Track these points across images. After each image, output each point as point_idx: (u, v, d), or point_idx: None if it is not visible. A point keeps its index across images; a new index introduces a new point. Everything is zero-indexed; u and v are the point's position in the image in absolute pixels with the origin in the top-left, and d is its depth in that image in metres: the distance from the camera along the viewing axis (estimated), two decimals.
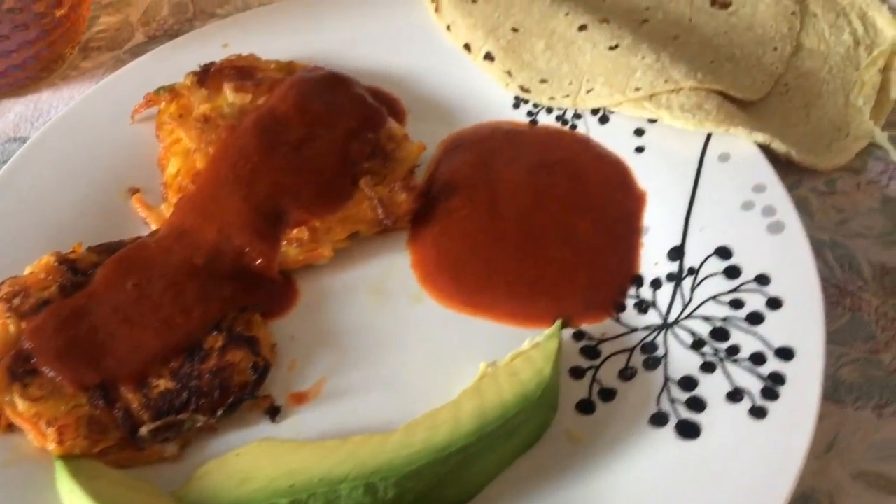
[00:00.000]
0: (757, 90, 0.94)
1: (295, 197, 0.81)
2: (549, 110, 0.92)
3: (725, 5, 1.03)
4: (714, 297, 0.76)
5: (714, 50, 0.98)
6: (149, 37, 1.06)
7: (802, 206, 0.87)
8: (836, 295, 0.81)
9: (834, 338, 0.78)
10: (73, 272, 0.78)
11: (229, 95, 0.89)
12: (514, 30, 0.96)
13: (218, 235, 0.79)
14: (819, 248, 0.84)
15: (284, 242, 0.80)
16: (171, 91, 0.89)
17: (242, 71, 0.91)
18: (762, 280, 0.75)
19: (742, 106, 0.92)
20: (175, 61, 0.94)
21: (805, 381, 0.68)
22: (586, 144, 0.89)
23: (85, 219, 0.86)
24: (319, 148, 0.85)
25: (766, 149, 0.84)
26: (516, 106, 0.93)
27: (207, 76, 0.90)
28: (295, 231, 0.80)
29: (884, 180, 0.89)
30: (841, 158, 0.89)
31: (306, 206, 0.81)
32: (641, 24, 1.01)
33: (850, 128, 0.92)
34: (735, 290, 0.75)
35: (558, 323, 0.75)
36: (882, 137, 0.90)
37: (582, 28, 0.94)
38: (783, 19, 1.01)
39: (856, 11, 1.02)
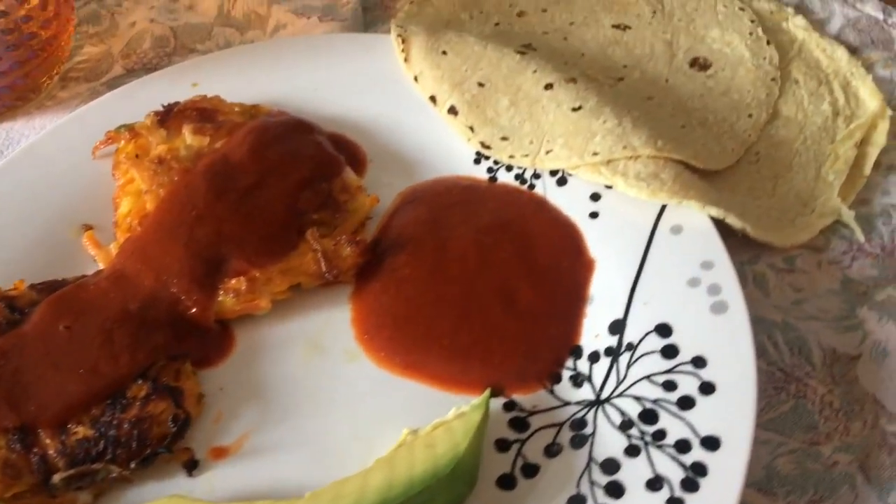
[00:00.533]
0: (725, 159, 0.92)
1: (237, 246, 0.81)
2: (509, 168, 0.91)
3: (705, 67, 1.02)
4: (648, 377, 0.74)
5: (687, 113, 0.96)
6: (127, 69, 1.07)
7: (759, 283, 0.85)
8: (782, 380, 0.78)
9: (774, 425, 0.76)
10: (11, 310, 0.78)
11: (188, 137, 0.89)
12: (481, 84, 0.95)
13: (155, 282, 0.79)
14: (770, 329, 0.81)
15: (221, 292, 0.79)
16: (131, 130, 0.90)
17: (204, 113, 0.91)
18: (698, 363, 0.73)
19: (707, 174, 0.90)
20: (143, 98, 0.95)
21: (727, 475, 0.66)
22: (541, 206, 0.88)
23: (38, 253, 0.86)
24: (269, 196, 0.84)
25: (724, 221, 0.82)
26: (477, 161, 0.92)
27: (169, 116, 0.90)
28: (233, 281, 0.80)
29: (846, 261, 0.86)
30: (803, 236, 0.87)
31: (247, 256, 0.80)
32: (617, 83, 1.00)
33: (816, 203, 0.89)
34: (670, 370, 0.73)
35: (486, 393, 0.73)
36: (849, 216, 0.88)
37: (548, 87, 0.93)
38: (762, 85, 0.99)
39: (839, 80, 1.00)
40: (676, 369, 0.73)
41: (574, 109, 0.90)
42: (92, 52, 1.09)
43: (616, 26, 1.07)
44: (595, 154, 0.86)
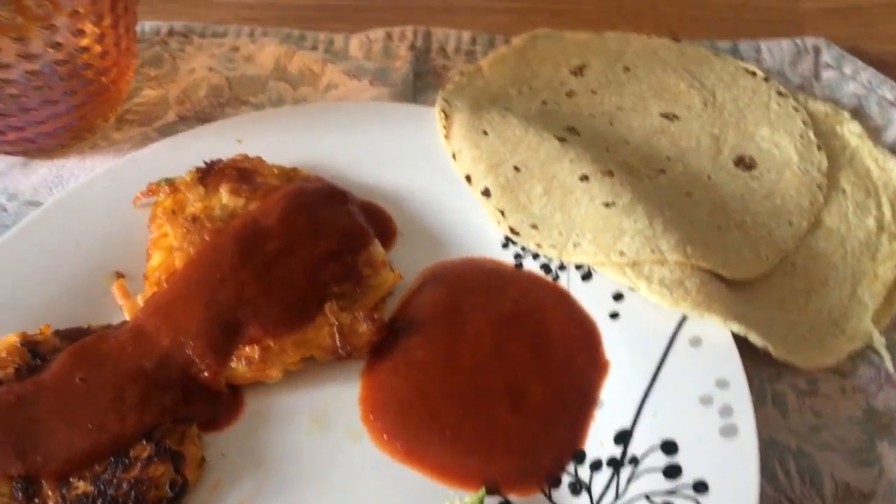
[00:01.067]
0: (758, 267, 0.90)
1: (256, 313, 0.82)
2: (536, 256, 0.90)
3: (750, 167, 1.00)
4: (647, 496, 0.72)
5: (725, 214, 0.95)
6: (180, 116, 1.10)
7: (778, 402, 0.83)
8: None
9: None
10: (33, 355, 0.81)
11: (224, 197, 0.91)
12: (517, 169, 0.94)
13: (172, 342, 0.80)
14: (783, 454, 0.79)
15: (234, 359, 0.81)
16: (171, 185, 0.92)
17: (244, 173, 0.93)
18: (699, 487, 0.71)
19: (738, 281, 0.88)
20: (189, 150, 0.97)
21: None
22: (563, 300, 0.87)
23: (70, 295, 0.88)
24: (293, 266, 0.85)
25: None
26: (505, 246, 0.92)
27: (209, 174, 0.92)
28: (247, 348, 0.81)
29: (872, 389, 0.83)
30: (829, 359, 0.84)
31: (264, 325, 0.81)
32: (657, 175, 0.99)
33: (847, 325, 0.86)
34: (670, 492, 0.72)
35: (480, 493, 0.73)
36: (880, 342, 0.85)
37: (583, 178, 0.92)
38: (807, 191, 0.97)
39: (888, 193, 0.97)
40: (677, 491, 0.72)
41: (606, 205, 0.89)
42: (150, 96, 1.12)
43: (664, 115, 1.06)
44: (622, 254, 0.85)
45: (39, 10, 0.85)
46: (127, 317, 0.87)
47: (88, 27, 0.92)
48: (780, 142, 1.02)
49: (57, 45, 0.90)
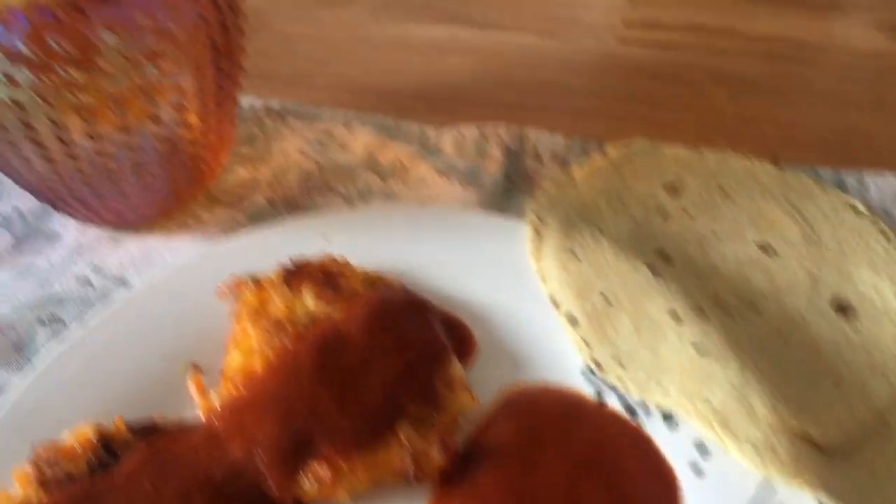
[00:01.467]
0: (852, 425, 0.85)
1: (329, 430, 0.81)
2: (618, 391, 0.88)
3: (848, 312, 0.96)
4: None
5: (820, 363, 0.91)
6: (269, 201, 1.10)
7: None
8: None
9: None
10: (106, 450, 0.81)
11: (307, 300, 0.90)
12: (605, 298, 0.92)
13: (244, 453, 0.80)
14: None
15: (302, 475, 0.79)
16: (257, 283, 0.92)
17: (329, 277, 0.92)
18: None
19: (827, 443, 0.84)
20: (276, 244, 0.98)
21: None
22: (644, 446, 0.84)
23: (147, 383, 0.88)
24: (371, 382, 0.84)
25: None
26: (586, 376, 0.89)
27: (295, 274, 0.92)
28: (316, 466, 0.79)
29: None
30: None
31: (336, 444, 0.80)
32: (751, 312, 0.95)
33: None
34: None
35: None
36: None
37: (674, 315, 0.89)
38: None
39: None
40: None
41: (696, 347, 0.86)
42: (241, 176, 1.13)
43: (761, 246, 1.02)
44: (707, 401, 0.82)
45: (148, 106, 0.86)
46: (200, 413, 0.86)
47: (192, 118, 0.93)
48: (881, 288, 0.97)
49: (160, 136, 0.91)
